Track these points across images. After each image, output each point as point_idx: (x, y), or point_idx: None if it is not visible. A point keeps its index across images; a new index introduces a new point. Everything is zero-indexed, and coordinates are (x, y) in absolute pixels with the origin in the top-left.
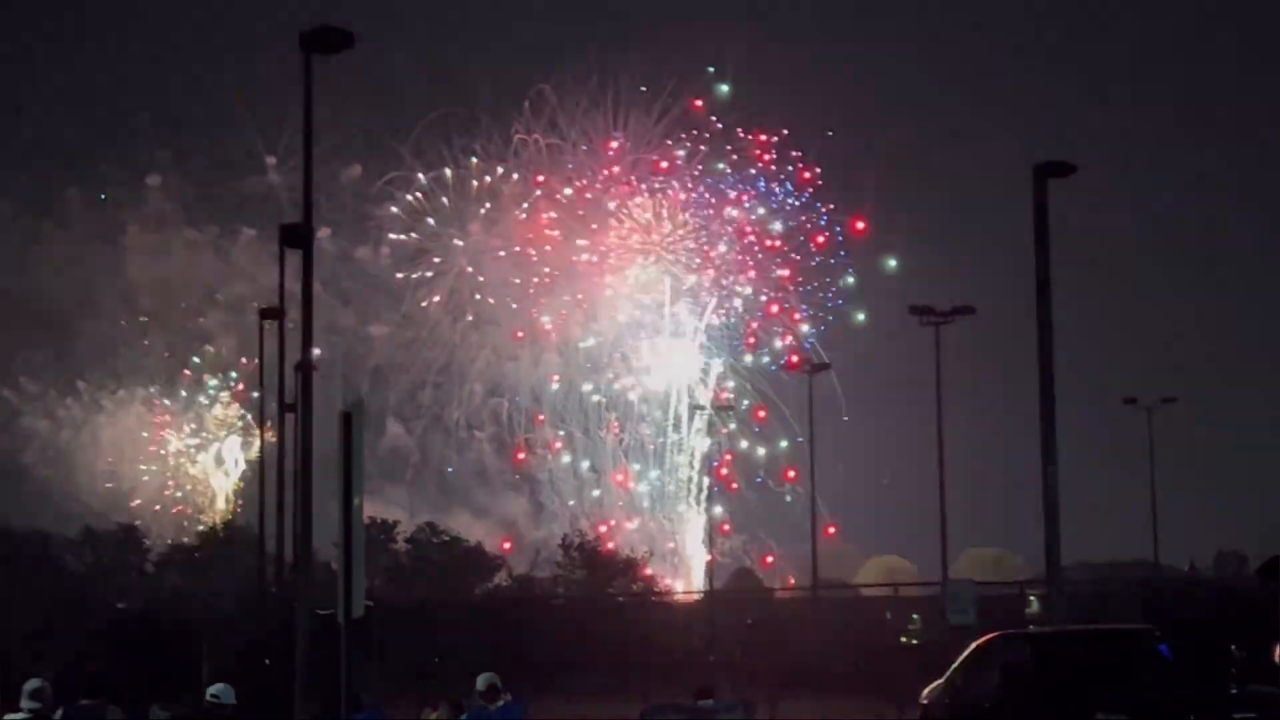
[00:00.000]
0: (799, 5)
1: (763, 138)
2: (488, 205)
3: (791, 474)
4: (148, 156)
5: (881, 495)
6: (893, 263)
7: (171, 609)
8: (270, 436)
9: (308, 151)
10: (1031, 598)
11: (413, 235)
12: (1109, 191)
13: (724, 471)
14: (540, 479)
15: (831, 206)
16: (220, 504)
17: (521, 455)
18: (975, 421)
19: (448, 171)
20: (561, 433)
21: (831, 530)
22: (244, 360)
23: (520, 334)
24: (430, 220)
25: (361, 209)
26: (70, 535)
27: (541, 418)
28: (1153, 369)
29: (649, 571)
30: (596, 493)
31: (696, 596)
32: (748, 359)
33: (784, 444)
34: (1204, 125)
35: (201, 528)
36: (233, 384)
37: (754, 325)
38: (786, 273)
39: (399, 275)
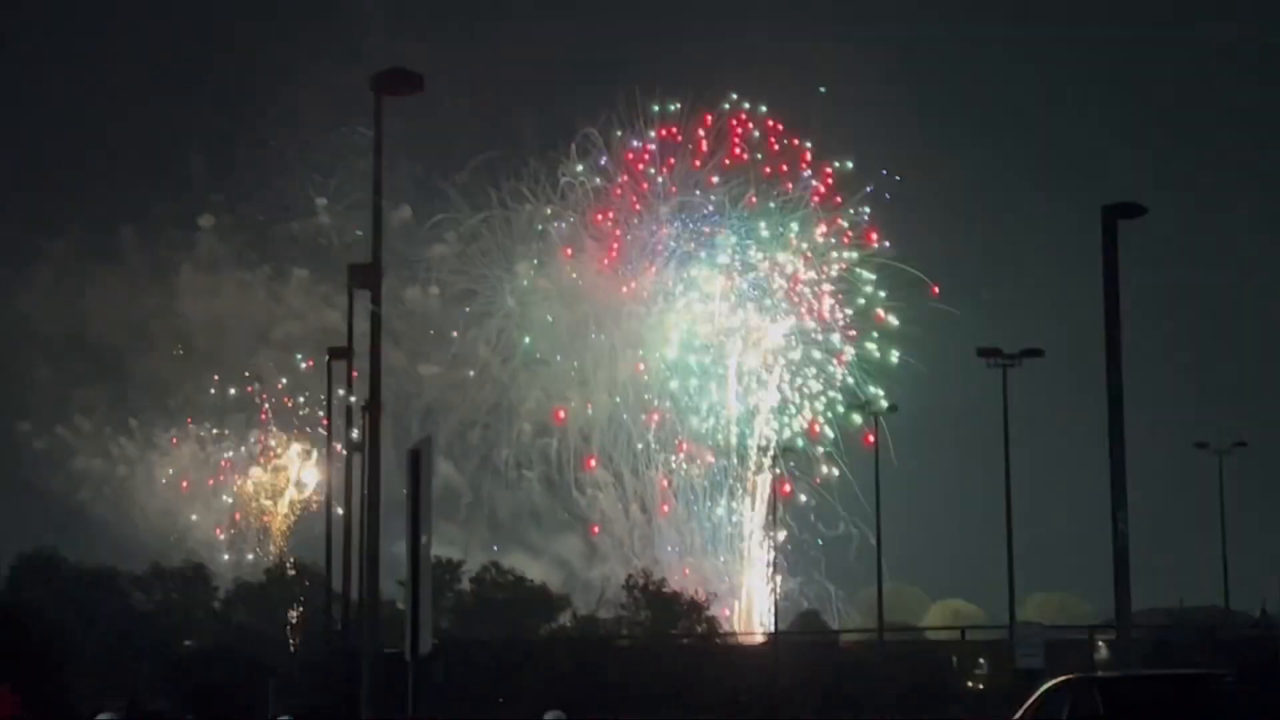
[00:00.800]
0: (846, 43)
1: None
2: (536, 246)
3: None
4: (200, 198)
5: (947, 538)
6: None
7: (239, 646)
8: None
9: (377, 191)
10: (1100, 642)
11: (460, 276)
12: (1180, 232)
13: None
14: (591, 517)
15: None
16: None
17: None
18: (1042, 464)
19: (495, 212)
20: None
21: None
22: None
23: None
24: (479, 261)
25: (411, 251)
26: (138, 572)
27: (592, 461)
28: (1224, 413)
29: (712, 613)
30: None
31: (761, 639)
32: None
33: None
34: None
35: (268, 565)
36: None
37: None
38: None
39: (449, 316)
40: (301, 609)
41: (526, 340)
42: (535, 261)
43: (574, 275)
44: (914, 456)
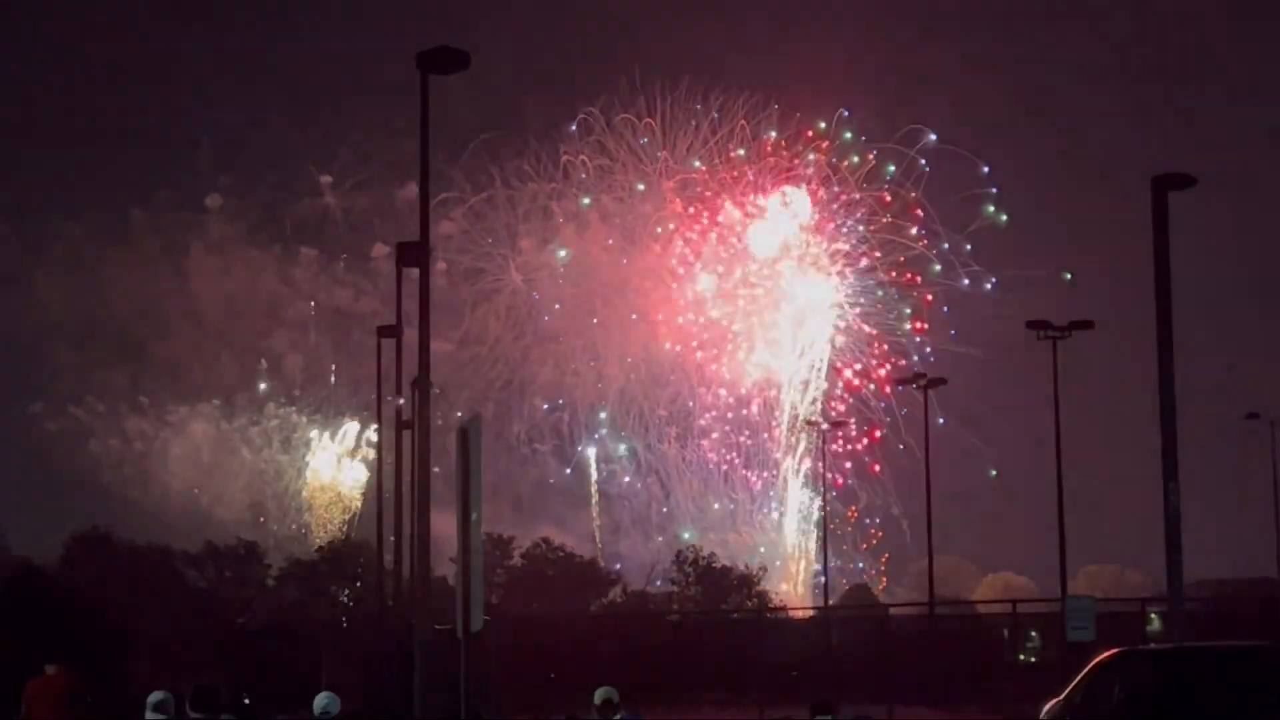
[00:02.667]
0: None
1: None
2: (540, 224)
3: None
4: (207, 179)
5: (998, 511)
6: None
7: (292, 622)
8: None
9: (424, 170)
10: (1152, 615)
11: (465, 254)
12: (1233, 201)
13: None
14: (612, 493)
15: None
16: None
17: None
18: (1094, 436)
19: (498, 191)
20: (623, 448)
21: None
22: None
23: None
24: (484, 239)
25: (416, 229)
26: (192, 550)
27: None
28: (1276, 382)
29: (764, 587)
30: (717, 505)
31: (811, 613)
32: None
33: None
34: None
35: (320, 542)
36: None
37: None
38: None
39: (457, 294)
40: (355, 586)
41: (545, 317)
42: (555, 240)
43: (581, 251)
44: (965, 429)
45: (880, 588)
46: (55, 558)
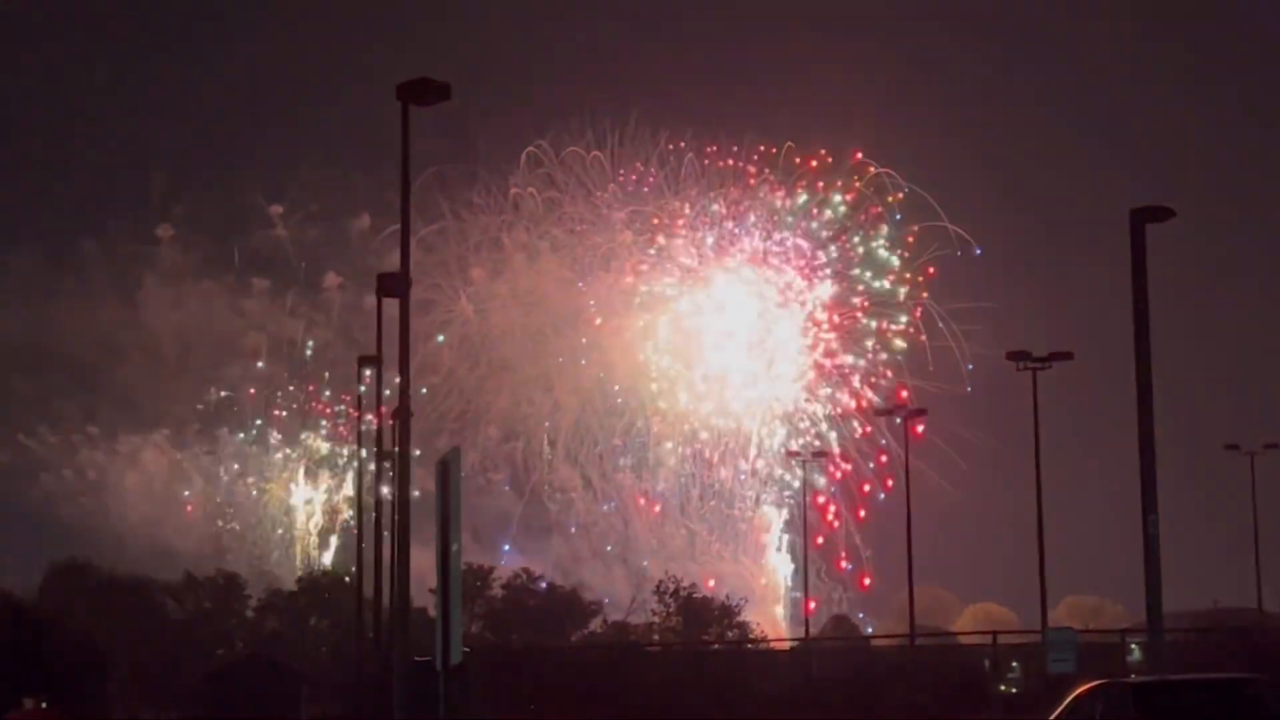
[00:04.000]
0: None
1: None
2: (491, 255)
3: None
4: (158, 211)
5: (980, 542)
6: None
7: (271, 653)
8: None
9: (405, 200)
10: (1133, 646)
11: (415, 286)
12: (1209, 233)
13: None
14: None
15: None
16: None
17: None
18: (1075, 467)
19: (448, 223)
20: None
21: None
22: None
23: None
24: (434, 271)
25: (368, 260)
26: (171, 581)
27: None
28: (1255, 414)
29: (744, 618)
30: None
31: (792, 644)
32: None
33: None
34: None
35: (299, 570)
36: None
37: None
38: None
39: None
40: (334, 616)
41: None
42: (488, 265)
43: (532, 283)
44: (955, 458)
45: (860, 617)
46: (34, 588)
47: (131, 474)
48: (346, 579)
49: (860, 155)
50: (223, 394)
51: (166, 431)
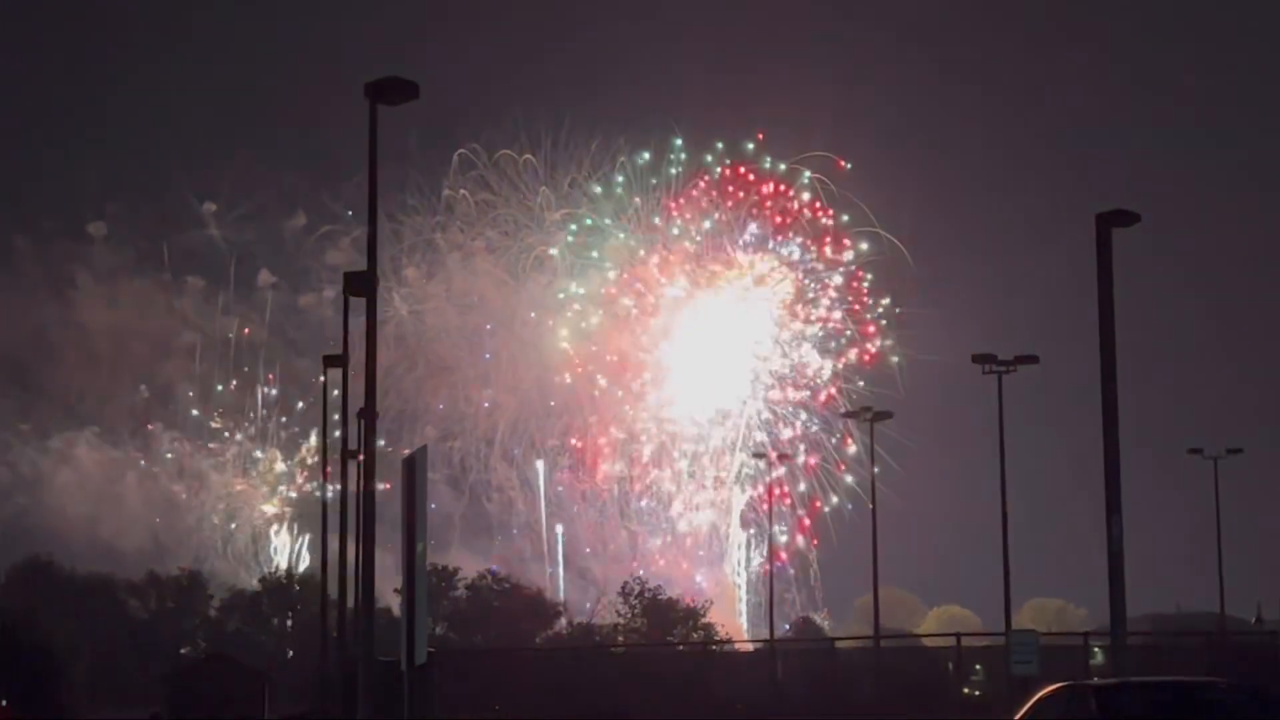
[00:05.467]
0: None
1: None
2: (426, 256)
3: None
4: (90, 208)
5: (944, 544)
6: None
7: (236, 653)
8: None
9: (373, 199)
10: (1096, 649)
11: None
12: (1176, 238)
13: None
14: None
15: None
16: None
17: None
18: (1040, 470)
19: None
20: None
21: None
22: None
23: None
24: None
25: (303, 259)
26: (134, 580)
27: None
28: (1218, 420)
29: (710, 620)
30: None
31: (757, 645)
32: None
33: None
34: (1268, 171)
35: (264, 574)
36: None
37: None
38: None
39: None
40: (298, 616)
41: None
42: (422, 267)
43: (467, 283)
44: (911, 462)
45: (824, 616)
46: None
47: (66, 471)
48: (295, 580)
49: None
50: (148, 393)
51: (96, 429)
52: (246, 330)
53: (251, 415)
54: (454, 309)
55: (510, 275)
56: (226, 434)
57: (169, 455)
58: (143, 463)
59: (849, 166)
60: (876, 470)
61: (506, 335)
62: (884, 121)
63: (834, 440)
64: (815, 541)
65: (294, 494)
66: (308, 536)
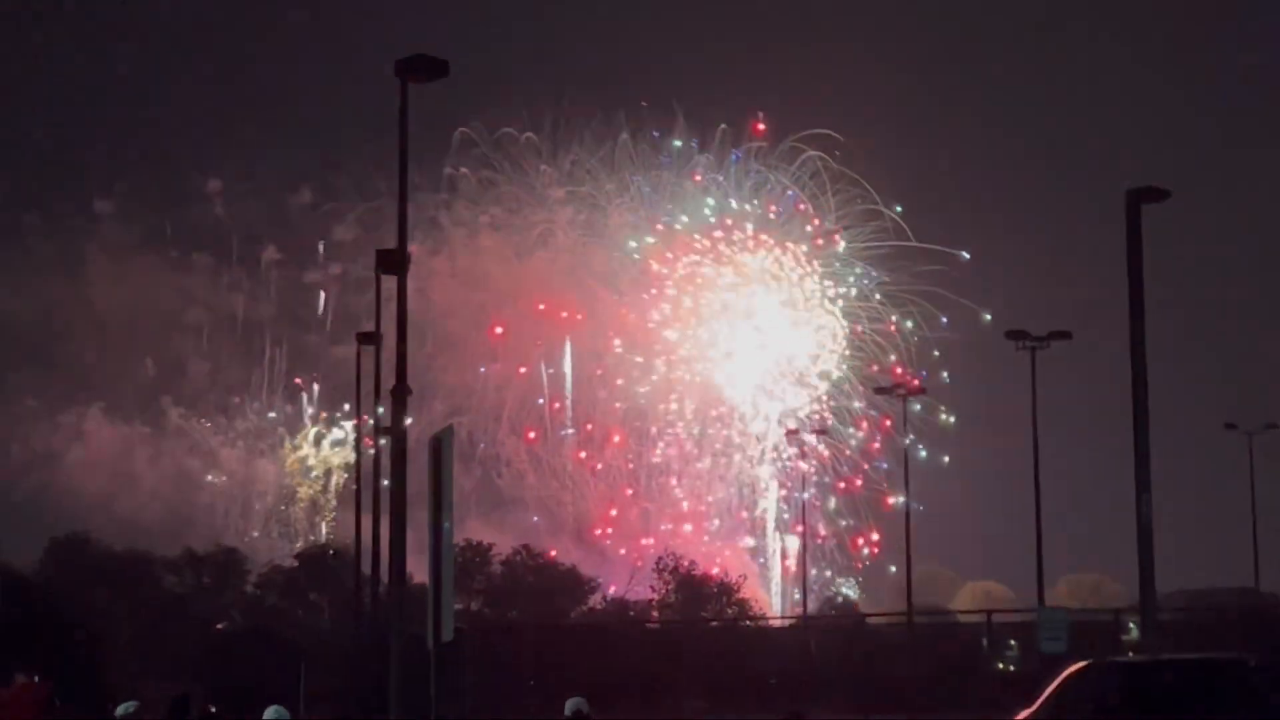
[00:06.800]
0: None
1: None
2: (429, 233)
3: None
4: (99, 185)
5: (981, 519)
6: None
7: (271, 629)
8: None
9: (403, 179)
10: (1131, 625)
11: (353, 265)
12: (1208, 212)
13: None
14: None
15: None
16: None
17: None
18: (1079, 445)
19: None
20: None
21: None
22: None
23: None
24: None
25: (310, 235)
26: (171, 555)
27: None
28: (1254, 394)
29: (744, 595)
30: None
31: (790, 621)
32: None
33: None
34: None
35: (299, 547)
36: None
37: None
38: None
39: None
40: (334, 591)
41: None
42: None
43: (472, 260)
44: (953, 439)
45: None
46: (34, 562)
47: (78, 447)
48: (332, 552)
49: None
50: (157, 370)
51: (103, 404)
52: (258, 305)
53: (261, 391)
54: (460, 285)
55: (515, 251)
56: (238, 408)
57: (181, 431)
58: (151, 436)
59: (869, 146)
60: (910, 439)
61: (512, 310)
62: (906, 95)
63: (863, 412)
64: (872, 537)
65: (315, 469)
66: (331, 508)
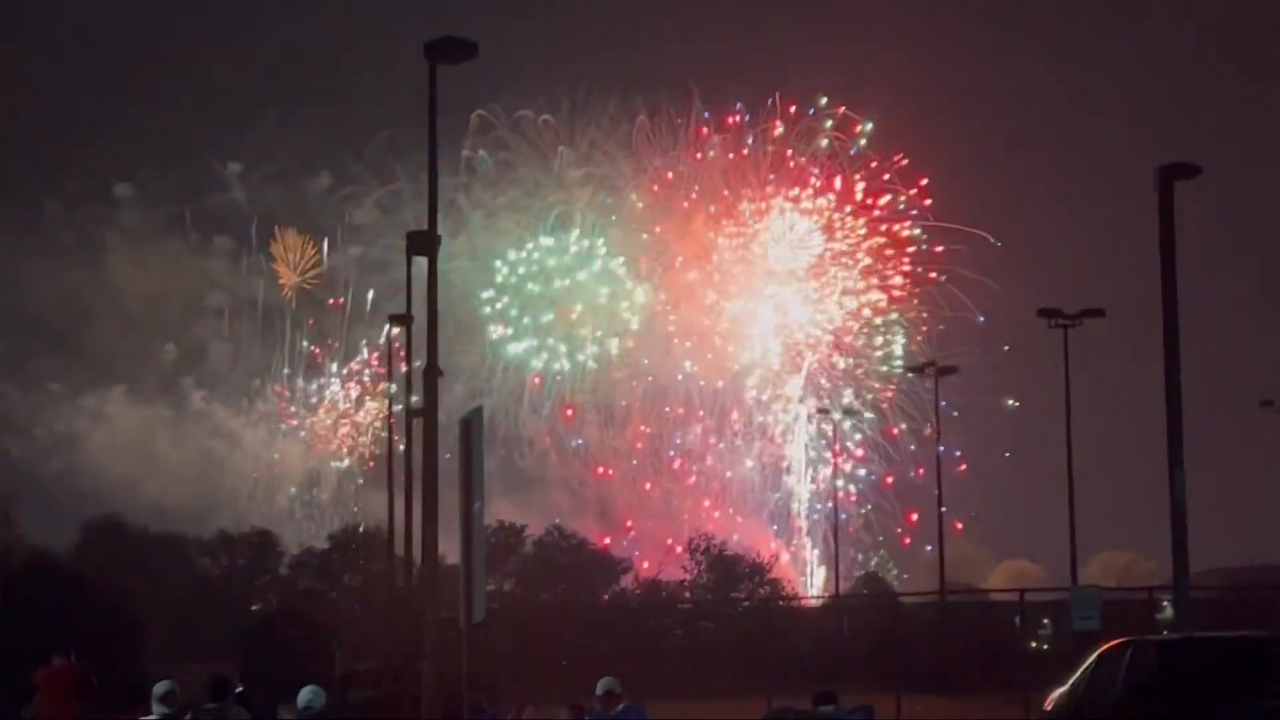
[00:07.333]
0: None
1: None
2: (447, 215)
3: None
4: (119, 171)
5: (1012, 498)
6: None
7: (304, 611)
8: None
9: (433, 161)
10: (1165, 603)
11: (377, 246)
12: (1240, 189)
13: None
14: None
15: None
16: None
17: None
18: (1114, 423)
19: (403, 185)
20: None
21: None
22: None
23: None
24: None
25: (328, 219)
26: (205, 538)
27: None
28: None
29: (775, 575)
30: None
31: (820, 601)
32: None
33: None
34: None
35: (333, 529)
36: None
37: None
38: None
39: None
40: (367, 573)
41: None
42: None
43: (491, 241)
44: (988, 417)
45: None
46: (70, 545)
47: (101, 429)
48: (361, 531)
49: (844, 109)
50: (179, 353)
51: (125, 387)
52: (284, 292)
53: (285, 373)
54: (480, 267)
55: (533, 235)
56: (259, 390)
57: (203, 414)
58: (174, 418)
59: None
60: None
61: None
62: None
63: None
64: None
65: (342, 449)
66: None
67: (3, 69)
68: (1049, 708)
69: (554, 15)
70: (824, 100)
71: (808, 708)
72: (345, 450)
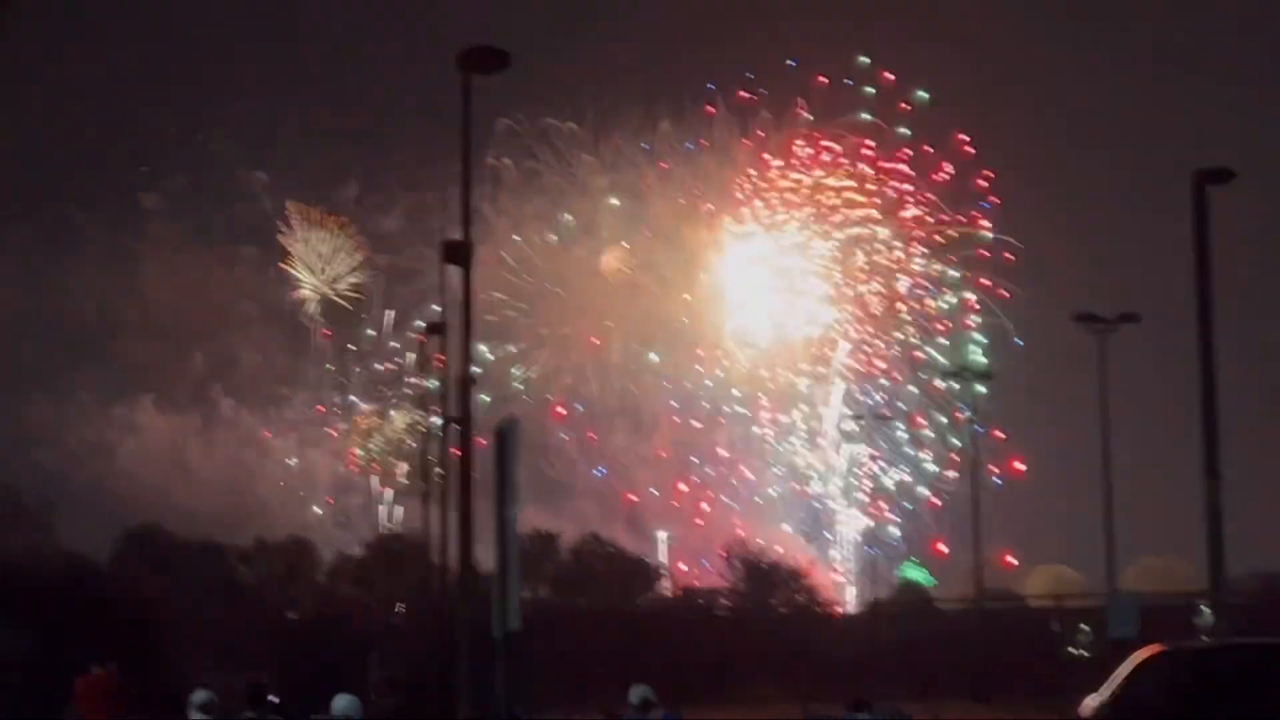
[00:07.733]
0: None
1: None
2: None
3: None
4: (146, 181)
5: (1051, 504)
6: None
7: (341, 619)
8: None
9: (466, 170)
10: (1204, 609)
11: (398, 256)
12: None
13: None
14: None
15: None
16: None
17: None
18: (1153, 428)
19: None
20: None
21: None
22: None
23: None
24: (419, 240)
25: (357, 227)
26: (242, 546)
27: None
28: None
29: (813, 582)
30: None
31: (859, 608)
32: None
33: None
34: None
35: (371, 537)
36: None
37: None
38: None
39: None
40: (405, 581)
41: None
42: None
43: (516, 249)
44: (1023, 423)
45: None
46: (107, 554)
47: (132, 439)
48: (401, 533)
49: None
50: (209, 361)
51: (154, 396)
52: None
53: (313, 381)
54: (506, 274)
55: (559, 239)
56: (287, 399)
57: (233, 422)
58: (204, 427)
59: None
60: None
61: (560, 300)
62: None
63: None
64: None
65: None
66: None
67: (30, 80)
68: (1085, 715)
69: (576, 22)
70: (867, 60)
71: (842, 714)
72: (375, 456)
